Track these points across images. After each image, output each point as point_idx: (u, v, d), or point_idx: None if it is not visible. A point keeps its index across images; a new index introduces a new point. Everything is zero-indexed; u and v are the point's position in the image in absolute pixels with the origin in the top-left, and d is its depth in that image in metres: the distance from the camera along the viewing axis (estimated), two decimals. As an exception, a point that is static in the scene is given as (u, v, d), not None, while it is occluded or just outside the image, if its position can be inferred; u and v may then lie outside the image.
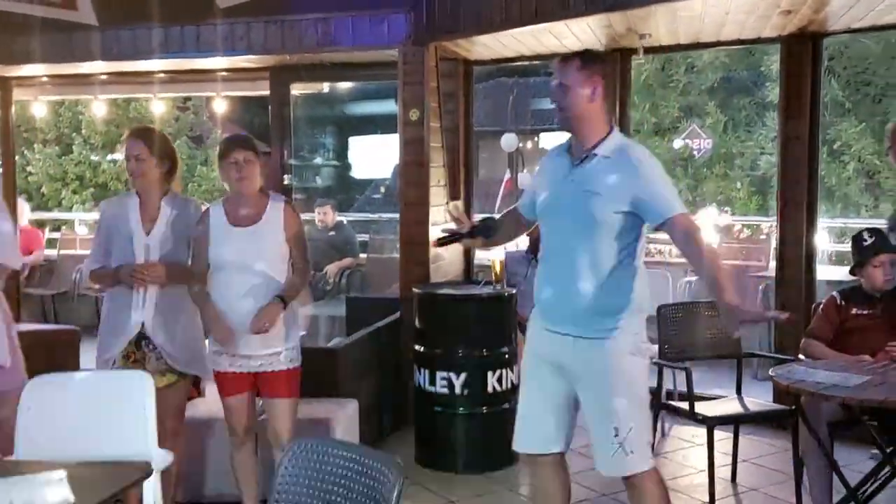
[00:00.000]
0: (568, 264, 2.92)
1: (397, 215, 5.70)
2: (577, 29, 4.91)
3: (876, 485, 3.54)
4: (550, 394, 3.03)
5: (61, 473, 2.19)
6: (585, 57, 2.98)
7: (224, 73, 6.81)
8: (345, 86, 13.68)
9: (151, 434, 2.79)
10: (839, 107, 11.98)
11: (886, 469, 3.51)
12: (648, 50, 5.47)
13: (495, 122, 14.88)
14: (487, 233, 3.20)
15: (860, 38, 10.62)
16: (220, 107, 8.01)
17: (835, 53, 11.16)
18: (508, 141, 12.92)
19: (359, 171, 20.42)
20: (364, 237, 8.45)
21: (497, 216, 3.51)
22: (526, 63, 6.65)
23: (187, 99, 12.09)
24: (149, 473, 2.43)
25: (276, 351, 3.49)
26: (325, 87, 8.94)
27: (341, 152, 20.64)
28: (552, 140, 18.53)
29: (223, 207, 3.54)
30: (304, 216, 6.74)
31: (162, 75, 6.91)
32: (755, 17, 4.71)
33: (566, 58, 3.00)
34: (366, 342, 5.06)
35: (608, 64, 3.07)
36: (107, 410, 2.82)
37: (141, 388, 2.83)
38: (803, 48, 5.14)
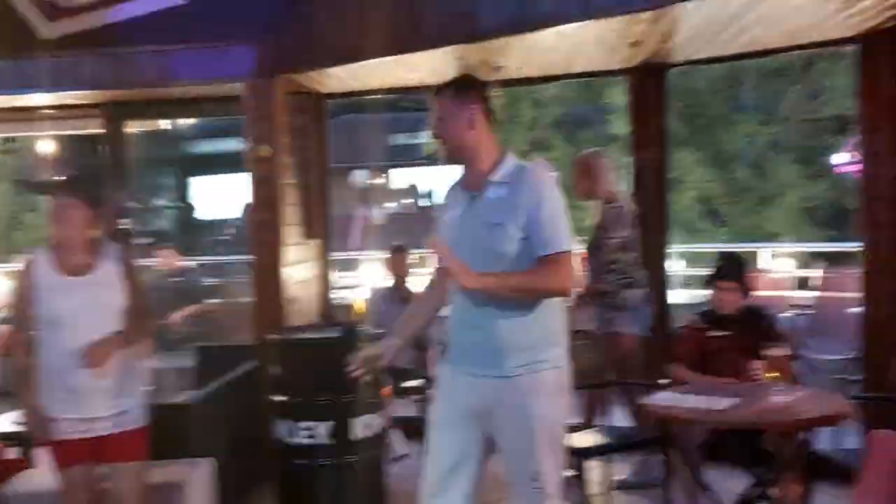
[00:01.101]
0: (481, 303, 2.74)
1: (248, 257, 5.42)
2: (430, 61, 4.83)
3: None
4: (465, 444, 2.84)
5: None
6: (458, 84, 2.86)
7: (50, 111, 6.30)
8: (186, 123, 13.18)
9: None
10: (675, 137, 12.61)
11: (755, 488, 3.55)
12: (505, 83, 5.48)
13: (345, 159, 14.76)
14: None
15: (688, 73, 11.22)
16: (48, 147, 7.43)
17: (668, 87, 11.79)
18: (358, 177, 12.79)
19: (203, 213, 19.71)
20: (213, 281, 8.05)
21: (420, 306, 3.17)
22: (381, 97, 6.53)
23: (9, 140, 11.24)
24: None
25: (120, 410, 3.18)
26: (166, 124, 8.51)
27: (184, 193, 19.86)
28: (404, 176, 18.64)
29: (50, 256, 3.19)
30: (144, 262, 6.31)
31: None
32: (605, 50, 4.79)
33: (440, 88, 2.87)
34: (220, 394, 4.70)
35: (483, 87, 2.93)
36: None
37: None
38: (649, 80, 5.30)
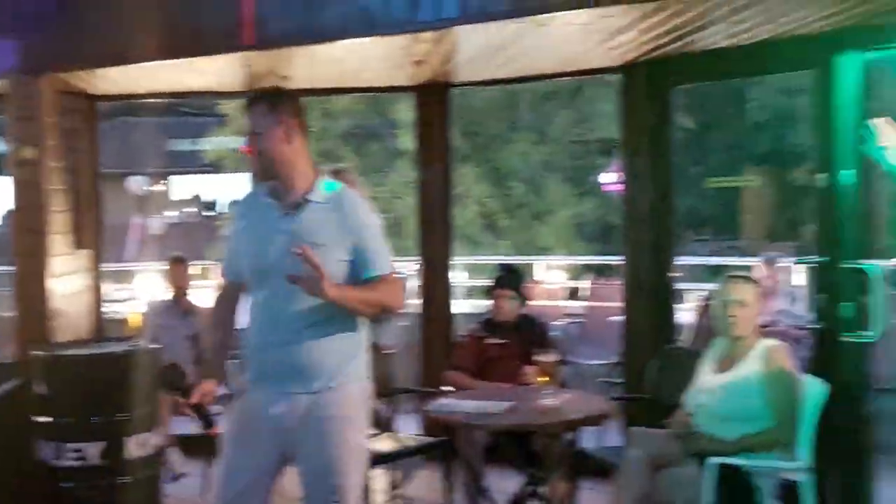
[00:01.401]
0: (287, 321, 2.66)
1: (10, 268, 4.99)
2: (215, 67, 4.72)
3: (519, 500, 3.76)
4: (262, 462, 2.74)
5: None
6: (272, 97, 2.77)
7: None
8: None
9: None
10: (457, 154, 13.09)
11: (527, 486, 3.76)
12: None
13: (121, 164, 13.96)
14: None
15: (468, 92, 11.69)
16: None
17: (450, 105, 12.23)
18: (134, 184, 12.15)
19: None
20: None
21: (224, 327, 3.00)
22: (162, 101, 6.27)
23: None
24: None
25: None
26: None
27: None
28: (186, 184, 17.92)
29: None
30: None
31: None
32: (391, 66, 4.89)
33: (253, 101, 2.78)
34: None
35: (297, 101, 2.84)
36: None
37: None
38: (434, 97, 5.46)
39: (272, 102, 2.72)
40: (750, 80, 12.79)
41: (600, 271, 9.56)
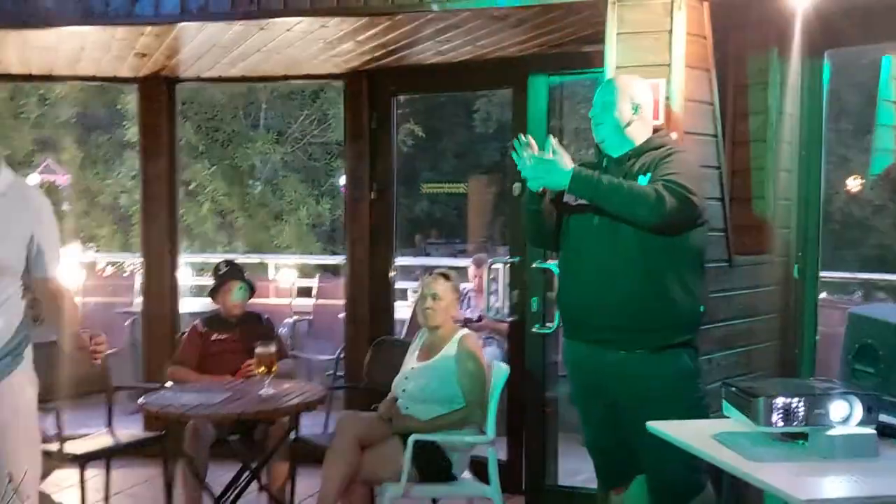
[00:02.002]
0: None
1: None
2: None
3: (237, 491, 3.87)
4: None
5: None
6: None
7: None
8: None
9: None
10: (193, 149, 12.78)
11: (246, 475, 3.88)
12: (2, 77, 5.14)
13: None
14: None
15: (209, 88, 11.50)
16: None
17: (186, 99, 11.91)
18: None
19: None
20: None
21: None
22: None
23: None
24: None
25: None
26: None
27: None
28: None
29: None
30: None
31: None
32: (111, 57, 4.78)
33: None
34: None
35: None
36: None
37: None
38: (159, 91, 5.38)
39: None
40: (475, 93, 13.70)
41: (333, 270, 9.84)
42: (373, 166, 5.16)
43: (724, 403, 2.28)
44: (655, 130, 2.95)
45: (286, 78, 5.59)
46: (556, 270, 4.16)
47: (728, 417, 2.27)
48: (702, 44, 3.35)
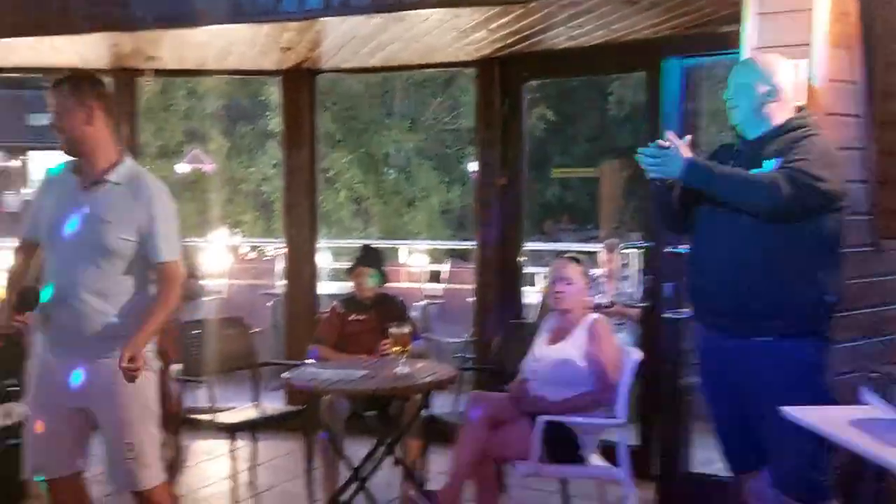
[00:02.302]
0: (73, 289, 2.86)
1: None
2: (81, 46, 4.77)
3: (374, 465, 4.04)
4: (63, 413, 2.95)
5: None
6: (74, 81, 2.95)
7: None
8: None
9: None
10: (331, 138, 13.22)
11: (381, 449, 4.04)
12: (157, 73, 5.52)
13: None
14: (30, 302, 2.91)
15: (346, 78, 11.87)
16: None
17: (325, 89, 12.35)
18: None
19: None
20: None
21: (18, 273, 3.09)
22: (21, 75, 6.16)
23: None
24: None
25: None
26: None
27: None
28: (45, 159, 17.19)
29: None
30: None
31: None
32: (257, 51, 5.06)
33: (57, 83, 2.95)
34: None
35: (100, 85, 3.03)
36: None
37: None
38: (301, 82, 5.63)
39: (75, 86, 2.93)
40: (608, 76, 13.47)
41: (462, 256, 9.99)
42: (503, 152, 5.22)
43: (865, 390, 2.22)
44: (798, 111, 2.88)
45: (421, 67, 5.74)
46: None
47: (867, 405, 2.21)
48: (845, 21, 3.22)
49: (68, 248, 2.89)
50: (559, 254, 5.07)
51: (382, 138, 13.64)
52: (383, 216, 13.87)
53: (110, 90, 3.06)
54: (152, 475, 2.95)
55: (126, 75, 5.48)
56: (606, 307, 5.73)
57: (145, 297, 2.96)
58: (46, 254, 2.99)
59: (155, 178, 3.07)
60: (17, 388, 4.31)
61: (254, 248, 11.39)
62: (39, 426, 2.99)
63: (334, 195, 13.34)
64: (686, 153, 2.74)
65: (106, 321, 2.88)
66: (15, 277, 3.02)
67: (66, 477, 3.00)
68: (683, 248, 4.13)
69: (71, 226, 2.88)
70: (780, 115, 2.82)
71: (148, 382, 2.97)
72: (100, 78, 3.12)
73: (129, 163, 2.99)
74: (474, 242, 5.70)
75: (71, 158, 3.00)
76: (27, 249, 3.07)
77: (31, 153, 16.92)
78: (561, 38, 4.51)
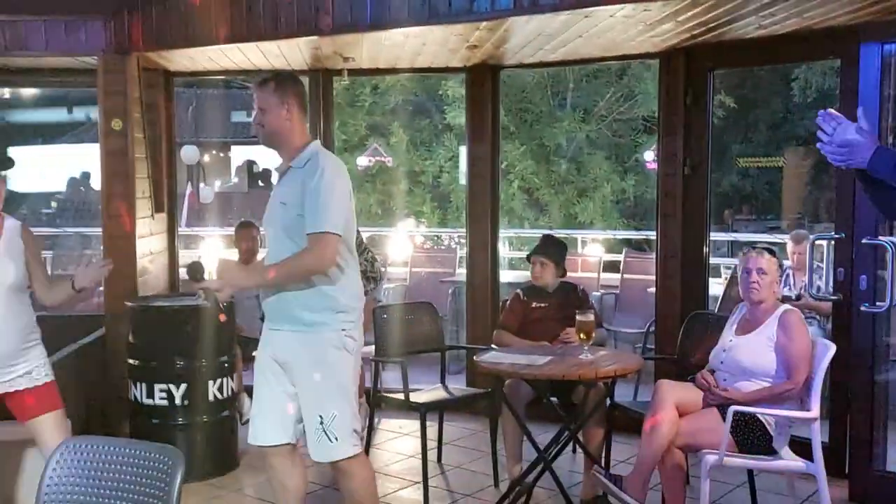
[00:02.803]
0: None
1: (82, 229, 5.48)
2: (285, 49, 5.16)
3: (558, 447, 4.16)
4: (277, 389, 3.24)
5: None
6: (279, 80, 3.21)
7: None
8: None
9: None
10: (504, 130, 13.39)
11: (565, 435, 4.16)
12: (351, 72, 5.87)
13: (186, 134, 14.53)
14: None
15: (520, 71, 11.97)
16: None
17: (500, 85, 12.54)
18: (189, 153, 12.58)
19: (19, 184, 18.65)
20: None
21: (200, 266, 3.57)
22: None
23: None
24: None
25: (21, 372, 3.39)
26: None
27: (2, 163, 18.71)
28: (245, 153, 18.46)
29: None
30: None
31: None
32: (447, 50, 5.28)
33: (262, 82, 3.22)
34: (68, 361, 4.83)
35: (300, 84, 3.31)
36: None
37: None
38: (485, 78, 5.82)
39: (279, 84, 3.19)
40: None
41: (638, 246, 9.92)
42: (686, 142, 5.18)
43: None
44: None
45: (603, 59, 5.77)
46: (888, 247, 3.98)
47: None
48: None
49: (270, 231, 3.24)
50: (743, 245, 4.98)
51: (554, 130, 13.66)
52: (554, 206, 13.90)
53: (306, 88, 3.33)
54: (346, 448, 3.17)
55: (324, 75, 5.87)
56: (796, 300, 5.58)
57: (333, 284, 3.15)
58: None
59: (329, 156, 3.24)
60: (229, 365, 4.79)
61: (431, 238, 11.77)
62: (255, 389, 3.31)
63: (507, 186, 13.51)
64: (873, 140, 2.60)
65: (302, 301, 3.13)
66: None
67: (281, 445, 3.28)
68: (882, 239, 4.01)
69: (271, 214, 3.23)
70: None
71: (346, 361, 3.20)
72: (299, 77, 3.40)
73: (311, 147, 3.22)
74: (651, 232, 5.67)
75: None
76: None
77: (234, 147, 18.18)
78: (750, 27, 4.44)
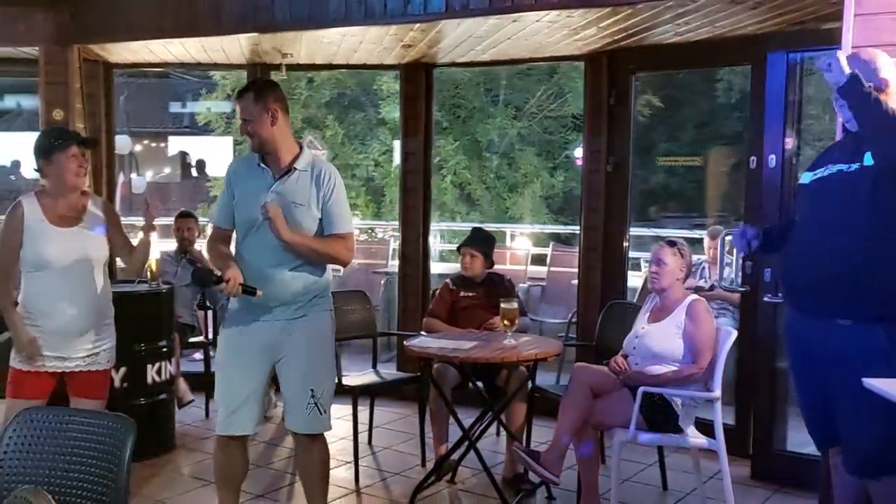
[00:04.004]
0: (275, 262, 3.30)
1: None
2: (226, 44, 5.29)
3: (482, 426, 4.40)
4: (255, 380, 3.38)
5: None
6: (257, 89, 3.33)
7: None
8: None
9: None
10: (438, 126, 13.61)
11: (489, 415, 4.40)
12: (289, 67, 6.01)
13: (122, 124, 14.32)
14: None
15: (449, 69, 12.20)
16: None
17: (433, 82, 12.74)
18: (121, 143, 12.49)
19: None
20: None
21: (210, 270, 3.57)
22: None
23: None
24: None
25: (93, 352, 3.47)
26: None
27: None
28: (182, 143, 18.29)
29: (39, 204, 3.39)
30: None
31: None
32: (382, 48, 5.49)
33: (241, 92, 3.35)
34: (5, 345, 4.88)
35: (279, 89, 3.41)
36: None
37: None
38: (419, 75, 6.04)
39: (259, 93, 3.30)
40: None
41: (564, 240, 10.26)
42: (610, 140, 5.48)
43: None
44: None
45: (531, 60, 6.04)
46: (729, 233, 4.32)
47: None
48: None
49: (268, 230, 3.23)
50: (660, 240, 5.30)
51: (487, 126, 13.93)
52: (485, 200, 14.18)
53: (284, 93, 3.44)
54: (329, 421, 3.42)
55: (262, 70, 6.00)
56: (708, 291, 5.93)
57: (323, 269, 3.40)
58: (244, 237, 3.39)
59: (328, 163, 3.48)
60: (167, 350, 4.91)
61: (365, 231, 11.92)
62: (227, 380, 3.41)
63: (440, 181, 13.74)
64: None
65: (303, 286, 3.33)
66: (217, 253, 3.41)
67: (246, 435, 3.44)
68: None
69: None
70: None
71: (333, 339, 3.45)
72: (276, 81, 3.51)
73: (307, 151, 3.40)
74: (577, 227, 5.96)
75: (248, 155, 3.45)
76: (221, 237, 3.45)
77: (171, 138, 18.07)
78: (668, 33, 4.75)
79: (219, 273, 3.30)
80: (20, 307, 3.46)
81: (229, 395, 3.40)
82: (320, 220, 3.34)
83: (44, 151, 3.41)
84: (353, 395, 4.59)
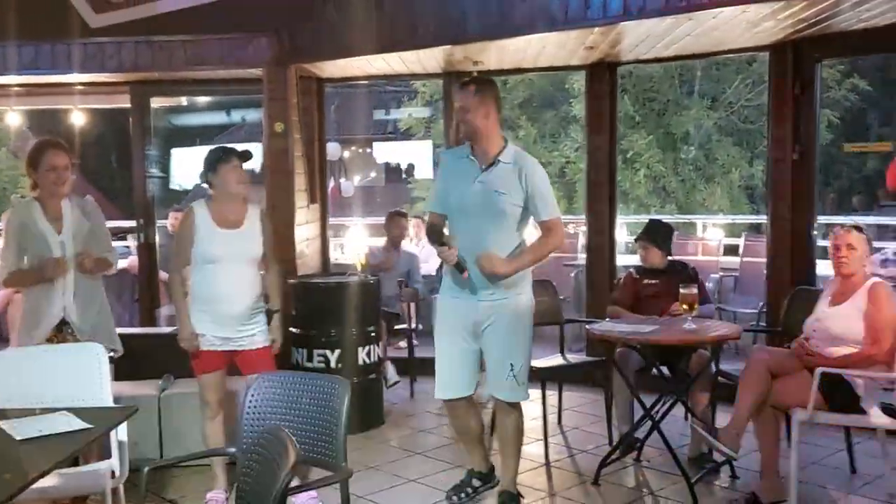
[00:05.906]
0: (480, 245, 3.68)
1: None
2: (423, 56, 5.81)
3: (665, 407, 4.59)
4: (468, 349, 3.83)
5: (65, 413, 2.76)
6: (479, 85, 3.73)
7: (81, 87, 7.01)
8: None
9: (108, 393, 3.31)
10: (630, 120, 13.66)
11: (671, 399, 4.57)
12: (481, 73, 6.44)
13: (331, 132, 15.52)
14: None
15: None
16: (77, 119, 8.12)
17: (625, 73, 12.83)
18: (331, 150, 13.57)
19: (182, 181, 20.29)
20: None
21: (443, 230, 3.91)
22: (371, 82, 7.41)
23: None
24: (135, 410, 2.99)
25: (251, 333, 3.96)
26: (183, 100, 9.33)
27: (166, 163, 20.45)
28: (385, 149, 19.47)
29: (208, 209, 3.92)
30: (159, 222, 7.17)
31: (18, 88, 7.08)
32: (566, 51, 5.79)
33: (463, 85, 3.76)
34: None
35: (496, 87, 3.73)
36: (66, 378, 3.25)
37: (96, 356, 3.36)
38: (603, 74, 6.27)
39: (480, 87, 3.72)
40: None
41: (759, 229, 10.02)
42: (795, 129, 5.47)
43: None
44: None
45: (715, 54, 6.10)
46: None
47: None
48: None
49: (475, 214, 3.69)
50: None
51: (681, 118, 13.77)
52: (681, 192, 14.02)
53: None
54: (525, 392, 3.84)
55: (456, 77, 6.48)
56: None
57: (523, 248, 3.75)
58: (454, 221, 3.82)
59: (531, 157, 3.83)
60: (375, 334, 5.47)
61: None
62: (441, 352, 3.87)
63: (633, 174, 13.76)
64: None
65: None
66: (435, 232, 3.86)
67: (466, 397, 3.89)
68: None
69: (475, 198, 3.71)
70: None
71: (531, 321, 3.82)
72: (492, 80, 3.90)
73: (511, 146, 3.78)
74: (764, 216, 5.94)
75: (461, 145, 3.84)
76: (437, 221, 3.88)
77: (375, 144, 19.29)
78: (851, 20, 4.72)
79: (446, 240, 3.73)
80: (190, 295, 3.95)
81: (445, 365, 3.87)
82: (523, 207, 3.68)
83: (210, 165, 3.90)
84: (541, 376, 4.91)
